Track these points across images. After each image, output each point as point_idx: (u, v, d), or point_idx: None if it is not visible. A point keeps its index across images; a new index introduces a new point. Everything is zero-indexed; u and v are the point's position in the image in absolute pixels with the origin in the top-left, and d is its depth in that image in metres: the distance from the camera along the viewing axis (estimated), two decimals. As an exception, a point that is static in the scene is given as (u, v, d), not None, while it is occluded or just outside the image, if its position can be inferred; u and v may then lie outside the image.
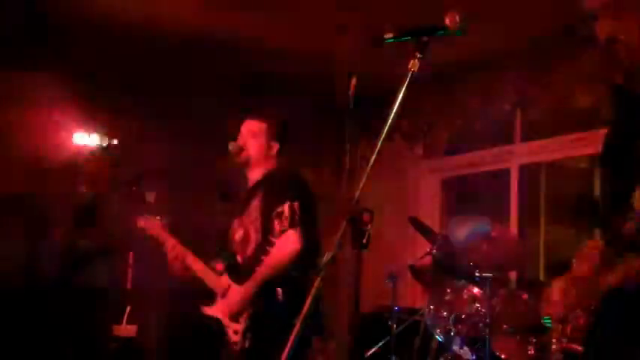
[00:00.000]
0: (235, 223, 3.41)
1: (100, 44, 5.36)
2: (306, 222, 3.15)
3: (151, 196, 3.83)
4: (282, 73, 6.00)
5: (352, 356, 3.07)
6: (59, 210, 5.44)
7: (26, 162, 5.84)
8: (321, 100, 6.75)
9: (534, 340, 3.59)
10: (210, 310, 3.40)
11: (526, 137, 5.46)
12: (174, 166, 5.34)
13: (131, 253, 3.79)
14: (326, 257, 1.86)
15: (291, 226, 3.10)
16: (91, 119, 5.83)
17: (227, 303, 3.28)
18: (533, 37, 4.84)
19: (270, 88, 6.45)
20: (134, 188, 3.75)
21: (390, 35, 1.90)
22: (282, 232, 3.11)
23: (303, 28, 4.94)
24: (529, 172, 5.54)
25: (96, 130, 5.86)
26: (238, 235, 3.35)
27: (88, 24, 4.94)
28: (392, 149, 6.27)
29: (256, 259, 3.21)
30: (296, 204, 3.13)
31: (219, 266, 3.46)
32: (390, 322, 4.45)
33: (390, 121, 1.83)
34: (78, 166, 5.16)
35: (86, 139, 5.77)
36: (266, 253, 3.18)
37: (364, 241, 1.89)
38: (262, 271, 3.17)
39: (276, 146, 3.45)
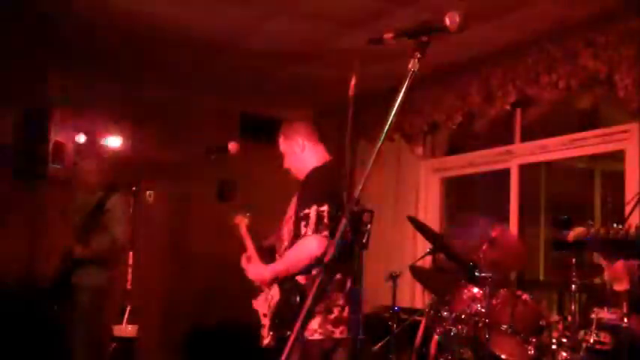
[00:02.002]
0: (283, 221, 3.49)
1: (100, 43, 5.36)
2: (331, 227, 3.05)
3: (150, 196, 3.83)
4: (282, 73, 6.00)
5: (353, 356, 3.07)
6: (61, 210, 5.44)
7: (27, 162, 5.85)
8: (321, 100, 6.76)
9: (534, 340, 3.59)
10: (254, 303, 3.50)
11: (526, 137, 5.46)
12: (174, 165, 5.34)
13: (131, 253, 3.79)
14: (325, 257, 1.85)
15: (314, 230, 3.03)
16: (92, 119, 5.83)
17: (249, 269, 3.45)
18: (534, 36, 4.84)
19: (270, 88, 6.46)
20: (134, 188, 3.75)
21: (390, 35, 1.89)
22: (304, 235, 3.08)
23: (303, 28, 4.94)
24: (529, 172, 5.54)
25: (96, 130, 5.86)
26: (280, 232, 3.44)
27: (87, 23, 4.93)
28: (392, 149, 6.27)
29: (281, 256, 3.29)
30: (324, 208, 3.06)
31: None
32: (390, 322, 4.45)
33: (390, 121, 1.82)
34: (78, 166, 5.16)
35: (86, 139, 5.77)
36: None
37: (364, 241, 1.88)
38: (276, 266, 3.26)
39: (308, 147, 3.47)
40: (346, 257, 3.19)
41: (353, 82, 2.03)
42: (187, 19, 4.85)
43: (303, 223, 3.11)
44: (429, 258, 4.99)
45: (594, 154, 5.13)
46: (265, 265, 3.37)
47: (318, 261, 3.03)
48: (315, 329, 3.13)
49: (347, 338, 3.15)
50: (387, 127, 1.83)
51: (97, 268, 4.81)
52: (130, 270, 3.73)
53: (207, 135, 5.86)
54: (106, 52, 5.53)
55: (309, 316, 1.90)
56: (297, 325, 1.89)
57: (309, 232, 3.06)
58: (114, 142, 5.98)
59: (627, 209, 3.84)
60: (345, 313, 3.16)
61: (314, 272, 3.13)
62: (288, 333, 3.01)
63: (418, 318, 4.60)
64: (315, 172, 3.35)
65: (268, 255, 3.52)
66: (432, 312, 4.08)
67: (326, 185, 3.19)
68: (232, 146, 3.63)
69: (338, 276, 3.15)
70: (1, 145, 5.61)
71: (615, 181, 4.93)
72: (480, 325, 3.73)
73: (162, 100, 6.35)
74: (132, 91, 6.13)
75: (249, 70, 5.90)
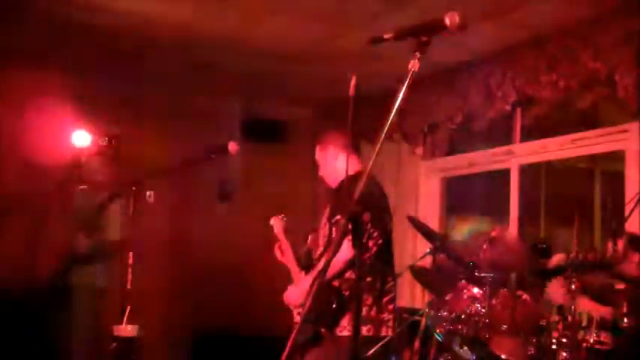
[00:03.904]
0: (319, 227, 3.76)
1: (100, 44, 5.36)
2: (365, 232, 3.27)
3: (150, 196, 3.83)
4: (282, 73, 6.00)
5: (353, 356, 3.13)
6: (61, 210, 5.44)
7: (28, 162, 5.85)
8: (321, 100, 6.76)
9: (534, 340, 3.59)
10: (285, 297, 3.74)
11: (526, 137, 5.46)
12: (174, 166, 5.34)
13: (131, 253, 3.79)
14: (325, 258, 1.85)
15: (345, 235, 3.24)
16: (91, 119, 5.83)
17: (298, 289, 3.64)
18: (534, 36, 4.84)
19: (270, 88, 6.46)
20: (134, 188, 3.75)
21: (390, 35, 1.89)
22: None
23: (303, 28, 4.94)
24: (529, 172, 5.54)
25: (96, 130, 5.85)
26: (316, 237, 3.72)
27: (87, 23, 4.93)
28: (392, 149, 6.27)
29: (319, 261, 3.57)
30: None
31: None
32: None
33: (390, 121, 1.82)
34: (79, 166, 5.16)
35: (86, 139, 5.76)
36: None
37: (364, 240, 1.89)
38: (313, 273, 3.53)
39: (341, 156, 3.67)
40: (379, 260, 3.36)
41: (353, 82, 2.03)
42: (187, 19, 4.85)
43: (334, 229, 3.40)
44: (429, 258, 4.99)
45: (594, 154, 5.13)
46: (303, 283, 3.61)
47: (351, 263, 3.21)
48: (344, 326, 3.40)
49: (374, 336, 3.37)
50: (387, 127, 1.83)
51: (97, 268, 4.82)
52: (130, 270, 3.73)
53: (207, 135, 5.86)
54: (106, 52, 5.53)
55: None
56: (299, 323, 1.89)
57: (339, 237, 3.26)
58: (114, 142, 5.96)
59: (627, 209, 3.85)
60: (373, 312, 3.43)
61: (348, 275, 3.35)
62: (322, 330, 3.38)
63: (418, 318, 4.60)
64: (347, 181, 3.55)
65: (306, 258, 3.76)
66: (431, 312, 4.08)
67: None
68: (232, 146, 3.63)
69: (369, 278, 3.40)
70: None
71: (615, 181, 4.93)
72: (480, 325, 3.73)
73: (162, 100, 6.35)
74: (132, 91, 6.13)
75: (250, 70, 5.90)
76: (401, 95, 1.81)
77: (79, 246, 4.78)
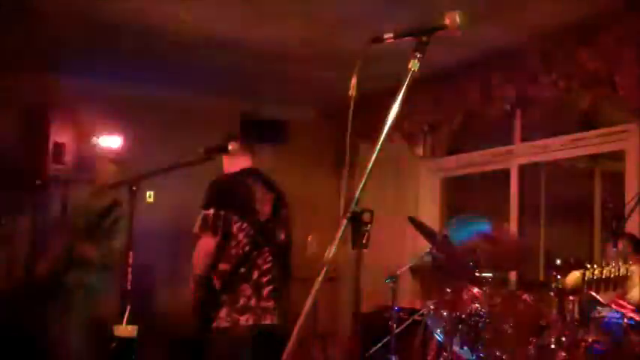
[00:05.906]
0: None
1: (100, 44, 5.36)
2: (220, 227, 3.59)
3: (150, 196, 3.84)
4: (282, 73, 6.00)
5: (353, 356, 3.15)
6: (62, 210, 5.45)
7: (30, 164, 5.86)
8: (321, 100, 6.76)
9: (534, 340, 3.59)
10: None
11: (526, 137, 5.46)
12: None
13: (131, 252, 3.79)
14: (325, 257, 1.85)
15: (201, 231, 3.59)
16: (92, 119, 5.83)
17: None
18: (534, 36, 4.84)
19: (270, 88, 6.46)
20: (134, 188, 3.76)
21: (390, 35, 1.89)
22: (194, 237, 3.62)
23: (303, 28, 4.94)
24: (529, 172, 5.54)
25: (97, 131, 5.86)
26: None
27: (87, 23, 4.94)
28: (392, 149, 6.27)
29: None
30: (207, 212, 3.60)
31: None
32: (390, 322, 4.45)
33: (390, 121, 1.82)
34: (96, 166, 5.17)
35: (86, 140, 5.77)
36: None
37: (364, 240, 1.88)
38: (193, 270, 3.72)
39: (232, 160, 3.93)
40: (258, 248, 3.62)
41: (353, 81, 2.03)
42: (187, 19, 4.85)
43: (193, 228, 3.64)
44: (429, 258, 4.99)
45: (594, 154, 5.13)
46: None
47: (211, 257, 3.58)
48: (223, 317, 3.60)
49: (253, 325, 3.57)
50: (387, 127, 1.83)
51: (98, 269, 4.82)
52: (129, 270, 3.73)
53: (207, 135, 5.84)
54: (106, 51, 5.53)
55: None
56: (297, 326, 1.89)
57: (196, 232, 3.62)
58: (114, 142, 5.97)
59: (627, 209, 3.84)
60: (253, 302, 3.60)
61: (222, 267, 3.61)
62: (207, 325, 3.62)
63: (418, 318, 4.60)
64: (208, 186, 3.84)
65: None
66: (431, 312, 4.08)
67: (210, 194, 3.73)
68: (232, 146, 3.64)
69: (242, 269, 3.63)
70: None
71: (615, 181, 4.94)
72: (480, 325, 3.73)
73: (162, 100, 6.34)
74: (132, 91, 6.13)
75: (250, 70, 5.90)
76: (401, 95, 1.81)
77: (84, 252, 4.78)
